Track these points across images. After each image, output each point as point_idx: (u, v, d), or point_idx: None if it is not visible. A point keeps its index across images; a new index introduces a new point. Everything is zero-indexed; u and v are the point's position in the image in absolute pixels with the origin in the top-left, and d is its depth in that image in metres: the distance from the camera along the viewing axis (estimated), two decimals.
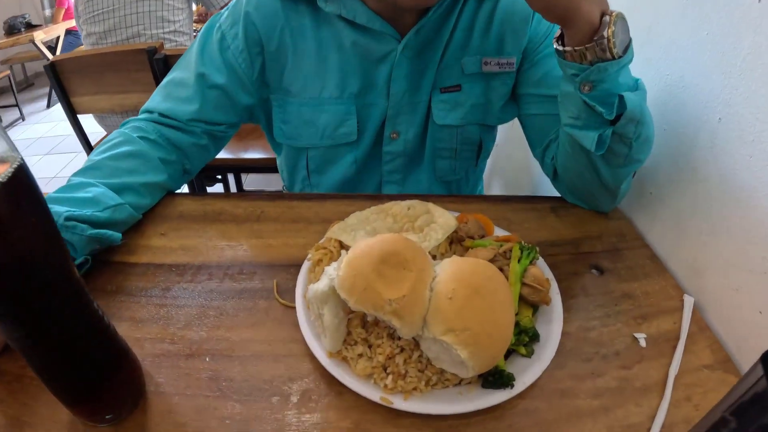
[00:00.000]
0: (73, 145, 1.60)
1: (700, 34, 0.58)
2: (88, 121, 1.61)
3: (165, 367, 0.47)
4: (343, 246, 0.53)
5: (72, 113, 1.51)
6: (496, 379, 0.42)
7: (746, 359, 0.49)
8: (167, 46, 1.61)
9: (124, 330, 0.45)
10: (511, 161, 1.38)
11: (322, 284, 0.46)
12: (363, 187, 0.82)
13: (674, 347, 0.50)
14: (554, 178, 0.74)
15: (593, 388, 0.46)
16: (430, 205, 0.56)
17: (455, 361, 0.40)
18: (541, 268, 0.52)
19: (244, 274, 0.58)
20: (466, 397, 0.42)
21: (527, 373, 0.44)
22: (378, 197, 0.72)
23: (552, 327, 0.47)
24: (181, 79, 0.70)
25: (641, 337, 0.51)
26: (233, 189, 1.85)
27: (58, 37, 4.05)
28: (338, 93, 0.71)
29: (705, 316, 0.55)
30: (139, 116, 0.71)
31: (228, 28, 0.68)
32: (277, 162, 0.93)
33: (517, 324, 0.45)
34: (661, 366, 0.48)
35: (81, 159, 2.85)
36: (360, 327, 0.46)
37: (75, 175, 0.61)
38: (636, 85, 0.55)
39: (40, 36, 3.80)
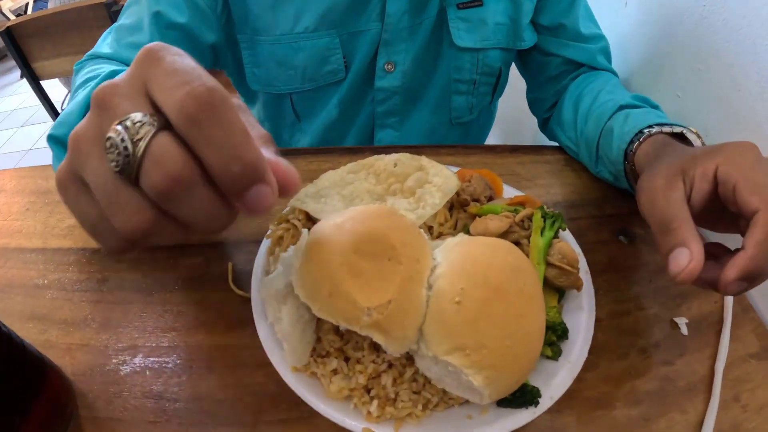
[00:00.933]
0: (47, 116, 1.49)
1: None
2: (54, 89, 1.51)
3: (98, 383, 0.38)
4: (310, 218, 0.40)
5: (35, 80, 1.42)
6: (516, 397, 0.32)
7: None
8: None
9: (54, 336, 0.40)
10: (510, 105, 1.23)
11: (276, 279, 0.33)
12: (349, 136, 0.70)
13: (718, 333, 0.42)
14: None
15: (631, 393, 0.38)
16: (424, 160, 0.43)
17: (465, 387, 0.29)
18: (567, 241, 0.40)
19: (193, 258, 0.47)
20: (477, 421, 0.32)
21: (554, 381, 0.33)
22: (360, 150, 0.59)
23: (581, 318, 0.37)
24: (132, 23, 0.56)
25: (682, 322, 0.42)
26: None
27: (27, 4, 3.83)
28: (315, 24, 0.58)
29: (749, 294, 0.46)
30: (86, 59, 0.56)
31: None
32: (254, 114, 0.77)
33: None
34: (706, 358, 0.40)
35: None
36: (333, 333, 0.34)
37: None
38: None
39: (7, 4, 3.69)
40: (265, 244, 0.43)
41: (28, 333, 0.40)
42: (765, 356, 0.41)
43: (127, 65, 0.49)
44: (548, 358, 0.35)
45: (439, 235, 0.39)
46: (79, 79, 0.49)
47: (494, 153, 0.60)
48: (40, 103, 1.44)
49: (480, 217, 0.39)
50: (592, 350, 0.36)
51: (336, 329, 0.34)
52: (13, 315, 0.41)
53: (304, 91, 0.64)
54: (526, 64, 0.70)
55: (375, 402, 0.32)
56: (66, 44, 1.37)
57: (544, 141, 0.71)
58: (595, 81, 0.61)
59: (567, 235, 0.42)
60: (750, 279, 0.30)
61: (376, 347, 0.33)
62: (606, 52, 0.66)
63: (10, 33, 1.29)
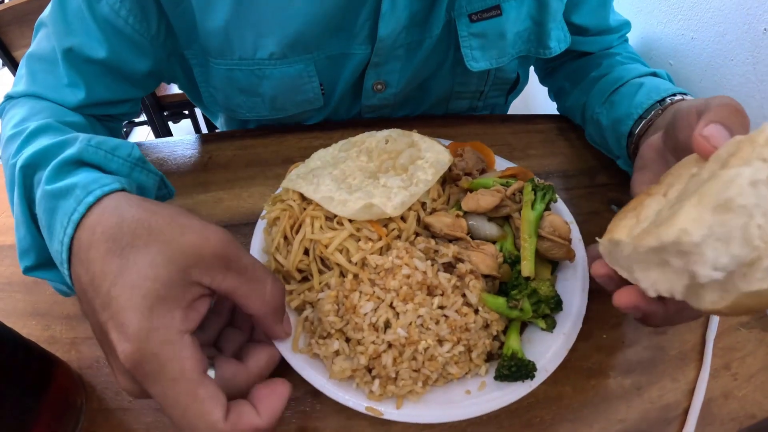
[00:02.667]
0: None
1: None
2: None
3: (105, 375, 0.38)
4: (305, 198, 0.40)
5: (17, 68, 1.34)
6: (512, 371, 0.33)
7: None
8: None
9: (58, 331, 0.40)
10: None
11: None
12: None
13: None
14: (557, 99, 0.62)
15: (624, 362, 0.39)
16: (415, 136, 0.42)
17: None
18: (560, 212, 0.41)
19: None
20: (476, 395, 0.33)
21: (549, 354, 0.34)
22: (353, 125, 0.58)
23: (575, 289, 0.37)
24: (44, 54, 0.46)
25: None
26: (203, 128, 1.57)
27: None
28: (283, 49, 0.47)
29: None
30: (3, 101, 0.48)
31: None
32: (218, 124, 0.70)
33: (534, 292, 0.35)
34: (697, 327, 0.41)
35: None
36: (334, 314, 0.35)
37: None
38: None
39: None
40: (261, 224, 0.43)
41: (31, 330, 0.40)
42: (755, 325, 0.42)
43: (45, 100, 0.45)
44: (542, 329, 0.36)
45: (433, 211, 0.40)
46: (2, 139, 0.41)
47: (486, 123, 0.60)
48: None
49: (471, 192, 0.39)
50: (586, 320, 0.37)
51: (336, 308, 0.35)
52: (15, 313, 0.42)
53: (275, 118, 0.56)
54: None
55: (377, 381, 0.33)
56: None
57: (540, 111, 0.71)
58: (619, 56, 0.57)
59: (560, 205, 0.42)
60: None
61: (374, 328, 0.34)
62: (626, 34, 0.60)
63: None
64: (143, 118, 1.59)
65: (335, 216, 0.38)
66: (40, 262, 0.35)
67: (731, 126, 0.28)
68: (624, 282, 0.28)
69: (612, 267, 0.29)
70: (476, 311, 0.35)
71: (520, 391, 0.33)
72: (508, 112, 0.71)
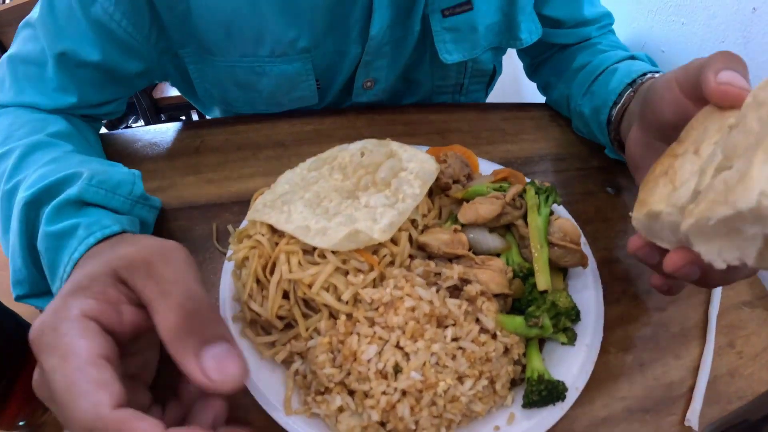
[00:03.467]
0: None
1: None
2: None
3: None
4: (275, 231, 0.33)
5: None
6: (542, 396, 0.30)
7: None
8: None
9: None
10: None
11: None
12: None
13: None
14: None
15: (625, 338, 0.38)
16: (393, 144, 0.36)
17: None
18: (559, 214, 0.37)
19: (179, 222, 0.45)
20: (506, 430, 0.30)
21: (574, 368, 0.32)
22: (340, 112, 0.57)
23: (590, 296, 0.35)
24: (30, 56, 0.46)
25: None
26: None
27: None
28: (283, 48, 0.49)
29: None
30: None
31: None
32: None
33: (553, 305, 0.31)
34: (699, 304, 0.41)
35: None
36: (330, 365, 0.30)
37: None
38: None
39: None
40: (227, 267, 0.35)
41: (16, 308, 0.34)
42: (758, 304, 0.42)
43: (28, 107, 0.46)
44: (564, 344, 0.33)
45: (425, 228, 0.34)
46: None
47: (476, 110, 0.58)
48: None
49: (467, 202, 0.34)
50: None
51: (332, 360, 0.30)
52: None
53: (269, 112, 0.57)
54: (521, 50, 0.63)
55: None
56: None
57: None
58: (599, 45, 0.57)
59: (558, 207, 0.39)
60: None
61: (383, 375, 0.29)
62: (609, 26, 0.60)
63: None
64: (140, 123, 1.58)
65: (315, 248, 0.31)
66: (33, 292, 0.37)
67: (739, 70, 0.26)
68: (664, 251, 0.26)
69: (651, 240, 0.26)
70: (494, 336, 0.31)
71: (554, 416, 0.30)
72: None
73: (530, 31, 0.55)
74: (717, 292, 0.41)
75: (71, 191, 0.34)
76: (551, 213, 0.34)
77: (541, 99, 0.64)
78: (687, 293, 0.41)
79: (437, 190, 0.36)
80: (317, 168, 0.36)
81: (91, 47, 0.45)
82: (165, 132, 0.55)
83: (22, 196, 0.35)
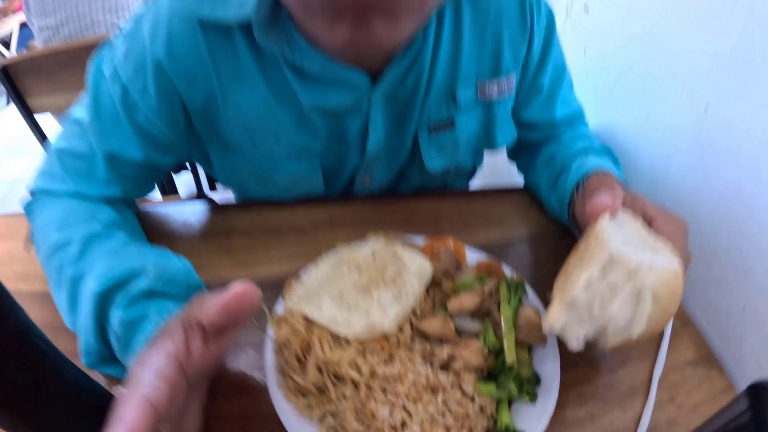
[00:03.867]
0: (36, 144, 1.48)
1: (687, 17, 0.55)
2: (47, 121, 1.51)
3: None
4: (308, 320, 0.45)
5: (29, 114, 1.44)
6: None
7: (730, 355, 0.52)
8: None
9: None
10: None
11: None
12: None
13: (659, 345, 0.50)
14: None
15: (579, 396, 0.46)
16: (397, 248, 0.48)
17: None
18: (530, 299, 0.48)
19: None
20: None
21: (533, 419, 0.42)
22: (351, 200, 0.67)
23: (549, 366, 0.45)
24: (79, 152, 0.53)
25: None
26: (204, 180, 1.49)
27: (11, 32, 3.66)
28: (297, 151, 0.57)
29: (689, 307, 0.56)
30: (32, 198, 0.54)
31: (130, 79, 0.49)
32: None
33: (518, 374, 0.42)
34: (647, 366, 0.48)
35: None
36: (355, 422, 0.40)
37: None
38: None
39: None
40: (269, 345, 0.46)
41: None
42: (701, 363, 0.49)
43: (79, 196, 0.53)
44: (527, 402, 0.43)
45: (422, 315, 0.46)
46: (46, 240, 0.48)
47: (467, 197, 0.68)
48: (25, 132, 1.46)
49: (455, 297, 0.45)
50: None
51: (356, 416, 0.40)
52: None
53: (279, 198, 0.65)
54: None
55: None
56: (61, 81, 1.42)
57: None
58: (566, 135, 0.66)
59: (529, 291, 0.50)
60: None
61: (393, 428, 0.40)
62: (578, 120, 0.68)
63: (5, 71, 1.34)
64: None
65: None
66: (100, 360, 0.43)
67: (607, 203, 0.41)
68: None
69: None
70: (472, 399, 0.42)
71: None
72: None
73: (506, 136, 0.63)
74: (662, 355, 0.49)
75: (141, 286, 0.41)
76: (520, 302, 0.46)
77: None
78: (636, 357, 0.49)
79: (433, 284, 0.48)
80: (338, 266, 0.47)
81: (135, 149, 0.52)
82: (195, 212, 0.64)
83: (92, 287, 0.41)
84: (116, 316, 0.40)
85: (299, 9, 0.39)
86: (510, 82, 0.59)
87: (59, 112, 1.54)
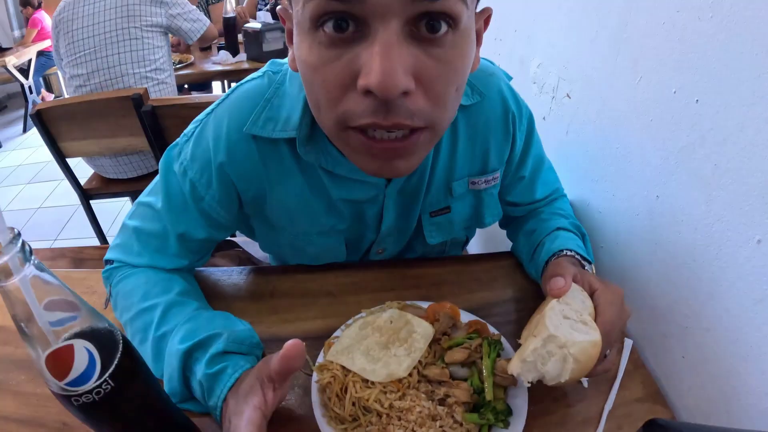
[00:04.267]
0: (55, 172, 1.68)
1: (646, 120, 0.68)
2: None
3: None
4: (344, 368, 0.63)
5: (60, 157, 1.55)
6: None
7: (673, 392, 0.64)
8: (149, 84, 1.73)
9: None
10: None
11: None
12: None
13: (611, 386, 0.62)
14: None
15: (543, 425, 0.57)
16: (408, 316, 0.66)
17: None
18: (506, 350, 0.65)
19: (271, 351, 0.58)
20: None
21: None
22: (369, 267, 0.81)
23: (519, 400, 0.60)
24: (155, 232, 0.66)
25: (584, 380, 0.65)
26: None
27: (30, 60, 3.98)
28: (327, 230, 0.71)
29: (642, 354, 0.67)
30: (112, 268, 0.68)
31: (197, 176, 0.63)
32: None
33: (494, 408, 0.59)
34: (600, 402, 0.59)
35: (64, 186, 2.96)
36: None
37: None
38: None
39: (12, 60, 3.83)
40: (314, 387, 0.63)
41: None
42: (648, 399, 0.59)
43: (154, 268, 0.67)
44: (501, 429, 0.59)
45: (426, 365, 0.63)
46: (133, 311, 0.62)
47: (464, 263, 0.82)
48: (45, 159, 1.67)
49: (449, 351, 0.62)
50: None
51: None
52: None
53: (308, 262, 0.79)
54: None
55: None
56: (92, 128, 1.51)
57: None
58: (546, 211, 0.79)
59: (505, 344, 0.66)
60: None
61: None
62: (557, 197, 0.81)
63: (39, 115, 1.45)
64: None
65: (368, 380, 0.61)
66: (181, 400, 0.56)
67: (559, 287, 0.58)
68: None
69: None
70: (461, 424, 0.58)
71: None
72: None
73: (493, 216, 0.77)
74: (612, 393, 0.62)
75: (219, 347, 0.55)
76: (498, 355, 0.62)
77: None
78: (592, 395, 0.62)
79: (433, 341, 0.65)
80: (364, 328, 0.65)
81: (200, 229, 0.65)
82: (243, 276, 0.78)
83: (177, 347, 0.55)
84: (200, 370, 0.53)
85: (341, 145, 0.50)
86: (496, 176, 0.72)
87: (89, 156, 1.69)
